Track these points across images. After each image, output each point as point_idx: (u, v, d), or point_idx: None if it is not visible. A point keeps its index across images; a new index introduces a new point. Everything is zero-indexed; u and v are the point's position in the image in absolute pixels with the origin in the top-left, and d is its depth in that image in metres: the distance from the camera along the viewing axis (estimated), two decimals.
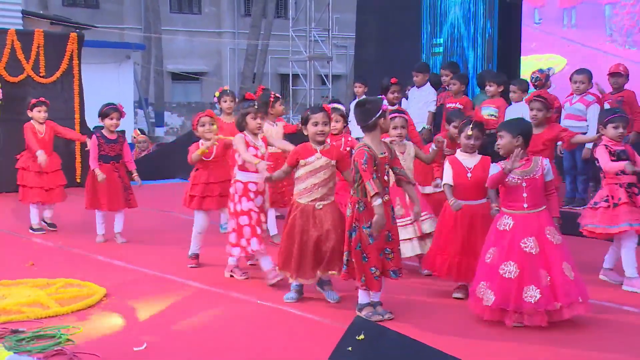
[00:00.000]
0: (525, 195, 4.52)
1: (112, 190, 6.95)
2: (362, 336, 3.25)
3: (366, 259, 4.52)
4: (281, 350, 4.08)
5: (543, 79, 8.12)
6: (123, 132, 7.18)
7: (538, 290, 4.35)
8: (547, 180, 4.65)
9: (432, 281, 5.41)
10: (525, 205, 4.52)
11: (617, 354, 4.05)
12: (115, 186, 6.96)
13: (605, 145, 5.44)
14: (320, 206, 4.80)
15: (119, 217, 7.09)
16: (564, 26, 10.95)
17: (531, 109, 5.97)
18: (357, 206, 4.54)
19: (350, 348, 3.23)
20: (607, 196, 5.32)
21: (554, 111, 5.94)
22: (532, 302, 4.34)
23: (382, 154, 4.56)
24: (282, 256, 4.93)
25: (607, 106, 7.86)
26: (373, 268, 4.51)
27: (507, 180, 4.55)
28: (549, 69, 9.02)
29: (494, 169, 4.67)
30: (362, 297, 4.63)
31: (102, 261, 6.29)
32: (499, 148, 4.67)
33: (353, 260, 4.54)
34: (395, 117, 5.58)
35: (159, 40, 26.00)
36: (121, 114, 7.03)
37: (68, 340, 4.15)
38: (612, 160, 5.33)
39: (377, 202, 4.38)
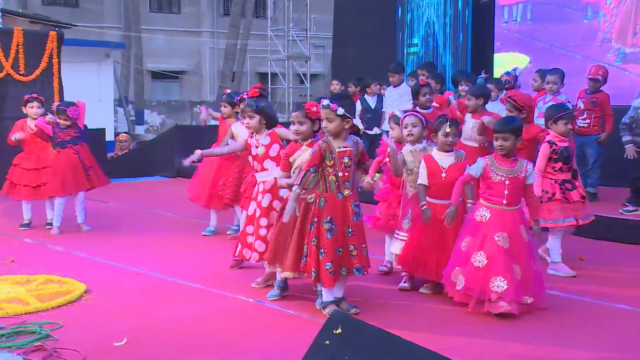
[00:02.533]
0: (506, 192, 4.62)
1: (71, 173, 7.20)
2: (339, 330, 3.24)
3: (323, 254, 4.47)
4: (259, 344, 4.07)
5: (512, 80, 8.21)
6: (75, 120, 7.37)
7: (505, 281, 4.46)
8: (528, 183, 4.71)
9: (400, 278, 5.42)
10: (505, 202, 4.62)
11: (591, 345, 4.09)
12: (75, 169, 7.21)
13: (549, 142, 5.65)
14: (311, 199, 4.69)
15: (57, 206, 7.26)
16: (524, 24, 11.09)
17: (507, 110, 6.06)
18: (318, 201, 4.54)
19: (327, 342, 3.22)
20: (544, 191, 5.55)
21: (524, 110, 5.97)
22: (499, 291, 4.47)
23: (341, 148, 4.53)
24: (274, 250, 4.83)
25: (580, 105, 7.98)
26: (329, 264, 4.45)
27: (491, 176, 4.65)
28: (514, 69, 9.12)
29: (477, 164, 4.71)
30: (326, 294, 4.59)
31: (83, 257, 6.23)
32: (502, 148, 4.65)
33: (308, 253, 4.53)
34: (405, 116, 5.31)
35: (139, 39, 25.80)
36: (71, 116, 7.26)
37: (48, 336, 4.11)
38: (554, 159, 5.61)
39: (295, 189, 4.47)
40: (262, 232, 5.18)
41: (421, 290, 5.13)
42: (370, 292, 5.07)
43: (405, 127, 5.26)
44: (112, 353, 3.92)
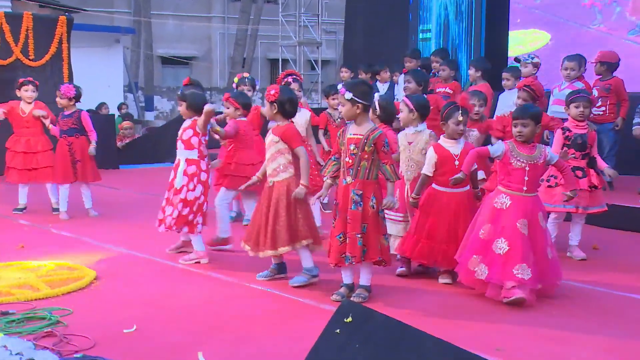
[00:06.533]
0: (526, 179, 4.62)
1: (60, 163, 7.31)
2: (350, 319, 3.26)
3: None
4: (269, 332, 4.09)
5: (538, 65, 8.13)
6: (79, 109, 7.54)
7: (529, 269, 4.49)
8: (554, 163, 4.77)
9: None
10: (525, 189, 4.63)
11: (602, 334, 4.09)
12: (64, 159, 7.30)
13: (563, 128, 5.73)
14: (270, 183, 5.02)
15: (62, 191, 7.40)
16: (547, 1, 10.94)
17: (518, 97, 6.02)
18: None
19: (338, 331, 3.24)
20: (551, 176, 5.62)
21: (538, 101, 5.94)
22: (525, 278, 4.48)
23: (351, 134, 4.63)
24: (247, 231, 5.18)
25: (595, 93, 7.92)
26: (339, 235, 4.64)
27: (511, 161, 4.64)
28: (531, 56, 9.01)
29: (496, 145, 4.76)
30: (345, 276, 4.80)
31: (92, 244, 6.27)
32: (521, 135, 4.66)
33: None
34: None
35: (149, 25, 25.79)
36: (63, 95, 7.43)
37: (58, 322, 4.15)
38: (566, 145, 5.69)
39: (325, 179, 4.81)
40: (163, 203, 5.62)
41: (441, 280, 5.11)
42: (381, 281, 5.07)
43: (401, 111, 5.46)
44: (121, 340, 3.95)
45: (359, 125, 4.63)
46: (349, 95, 4.57)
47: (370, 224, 4.58)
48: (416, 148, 5.32)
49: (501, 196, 4.68)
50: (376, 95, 5.60)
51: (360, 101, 4.58)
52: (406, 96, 5.61)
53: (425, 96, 5.90)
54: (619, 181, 7.93)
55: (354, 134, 4.62)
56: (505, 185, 4.69)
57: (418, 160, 5.28)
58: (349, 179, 4.60)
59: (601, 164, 5.73)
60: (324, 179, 4.83)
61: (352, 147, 4.59)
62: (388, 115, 5.51)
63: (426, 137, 5.31)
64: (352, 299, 4.54)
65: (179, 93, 5.78)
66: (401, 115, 5.42)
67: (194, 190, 5.53)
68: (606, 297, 4.84)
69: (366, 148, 4.56)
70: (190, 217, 5.52)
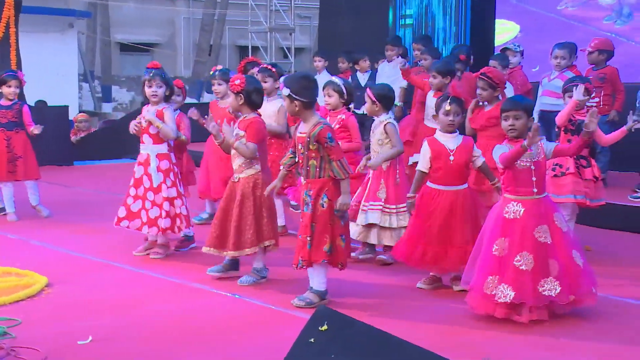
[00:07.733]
0: (534, 179, 4.47)
1: None
2: (325, 327, 3.26)
3: None
4: (239, 342, 4.08)
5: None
6: (21, 101, 7.46)
7: (557, 282, 4.34)
8: (553, 149, 4.60)
9: (397, 270, 5.45)
10: (535, 190, 4.46)
11: (596, 341, 4.13)
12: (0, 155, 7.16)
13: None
14: (236, 179, 5.10)
15: (5, 190, 7.28)
16: None
17: (477, 86, 5.96)
18: None
19: (312, 340, 3.24)
20: (556, 164, 5.62)
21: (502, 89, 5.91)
22: (553, 295, 4.34)
23: (299, 133, 4.71)
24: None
25: None
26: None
27: (516, 163, 4.46)
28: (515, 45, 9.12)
29: (500, 150, 4.53)
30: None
31: (44, 247, 6.21)
32: (513, 129, 4.53)
33: None
34: None
35: (106, 8, 25.57)
36: (21, 82, 7.33)
37: (5, 333, 4.09)
38: (570, 129, 5.72)
39: (281, 168, 4.97)
40: (129, 200, 5.82)
41: (418, 285, 5.12)
42: (360, 284, 5.08)
43: None
44: (76, 352, 3.91)
45: (306, 123, 4.68)
46: (286, 91, 4.64)
47: (318, 224, 4.61)
48: (374, 138, 5.60)
49: (511, 204, 4.48)
50: (337, 79, 5.92)
51: (298, 98, 4.61)
52: (369, 87, 5.81)
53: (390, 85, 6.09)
54: (612, 178, 8.06)
55: (300, 133, 4.69)
56: (512, 192, 4.49)
57: (377, 151, 5.57)
58: (302, 179, 4.73)
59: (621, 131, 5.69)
60: (281, 168, 4.98)
61: (299, 146, 4.68)
62: (349, 98, 5.79)
63: (381, 129, 5.53)
64: (292, 301, 4.65)
65: (152, 74, 5.71)
66: (366, 107, 5.66)
67: (171, 186, 5.76)
68: (600, 301, 4.88)
69: (311, 146, 4.59)
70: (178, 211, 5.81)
